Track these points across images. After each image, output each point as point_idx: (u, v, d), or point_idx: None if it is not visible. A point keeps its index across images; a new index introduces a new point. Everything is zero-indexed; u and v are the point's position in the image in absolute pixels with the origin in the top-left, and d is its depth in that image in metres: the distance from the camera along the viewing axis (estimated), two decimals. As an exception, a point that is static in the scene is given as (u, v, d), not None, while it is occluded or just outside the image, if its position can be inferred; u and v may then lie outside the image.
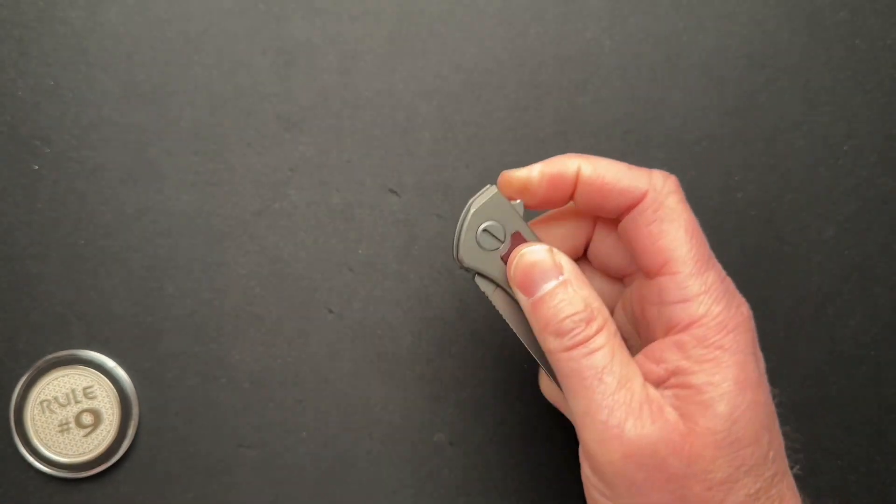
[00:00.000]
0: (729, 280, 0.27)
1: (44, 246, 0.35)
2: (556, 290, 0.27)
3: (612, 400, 0.26)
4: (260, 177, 0.36)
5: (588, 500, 0.28)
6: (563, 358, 0.27)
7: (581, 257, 0.32)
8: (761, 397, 0.26)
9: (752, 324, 0.27)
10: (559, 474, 0.37)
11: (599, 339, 0.26)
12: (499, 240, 0.29)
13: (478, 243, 0.29)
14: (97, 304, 0.35)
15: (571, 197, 0.29)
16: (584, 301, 0.27)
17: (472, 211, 0.29)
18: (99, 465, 0.35)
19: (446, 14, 0.36)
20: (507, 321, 0.30)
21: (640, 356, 0.27)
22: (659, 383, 0.27)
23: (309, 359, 0.36)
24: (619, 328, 0.29)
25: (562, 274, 0.27)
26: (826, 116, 0.37)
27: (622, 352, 0.27)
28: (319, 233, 0.36)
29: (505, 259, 0.29)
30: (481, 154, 0.36)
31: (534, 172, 0.28)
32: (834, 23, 0.37)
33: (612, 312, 0.30)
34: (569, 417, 0.32)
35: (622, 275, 0.31)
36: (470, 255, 0.29)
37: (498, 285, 0.30)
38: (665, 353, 0.26)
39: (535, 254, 0.28)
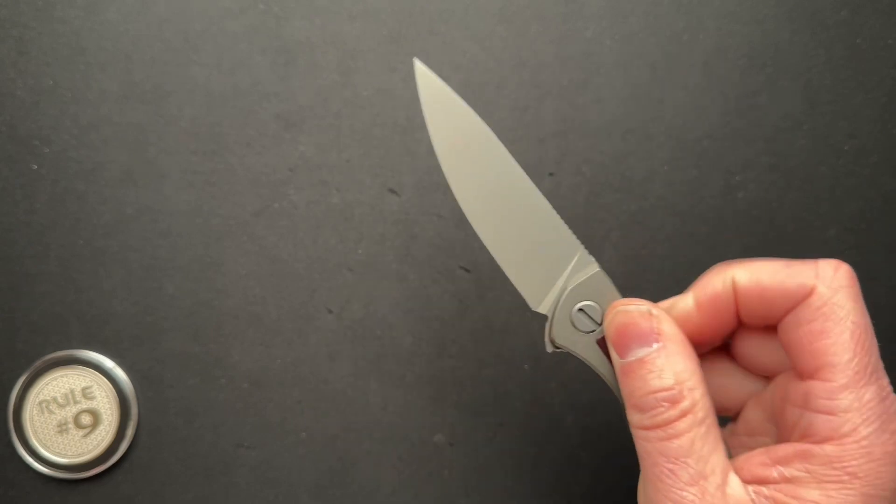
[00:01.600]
0: (893, 398, 0.24)
1: (43, 246, 0.35)
2: (647, 360, 0.25)
3: (679, 496, 0.23)
4: (259, 176, 0.36)
5: None
6: (640, 436, 0.24)
7: (718, 348, 0.29)
8: None
9: None
10: (559, 474, 0.37)
11: (682, 425, 0.24)
12: (596, 322, 0.27)
13: (572, 323, 0.27)
14: (96, 304, 0.35)
15: (738, 318, 0.26)
16: (676, 377, 0.24)
17: (569, 288, 0.27)
18: (98, 465, 0.35)
19: (446, 14, 0.36)
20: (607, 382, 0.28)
21: (760, 451, 0.25)
22: (763, 483, 0.24)
23: (308, 359, 0.36)
24: (751, 424, 0.27)
25: (658, 341, 0.25)
26: (827, 116, 0.37)
27: (708, 442, 0.24)
28: (319, 233, 0.36)
29: (601, 345, 0.27)
30: (481, 154, 0.36)
31: (689, 305, 0.26)
32: (835, 22, 0.37)
33: (743, 405, 0.28)
34: None
35: (767, 373, 0.28)
36: (563, 335, 0.27)
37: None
38: (789, 457, 0.24)
39: (631, 313, 0.25)
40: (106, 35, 0.35)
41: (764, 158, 0.37)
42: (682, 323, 0.26)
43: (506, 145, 0.37)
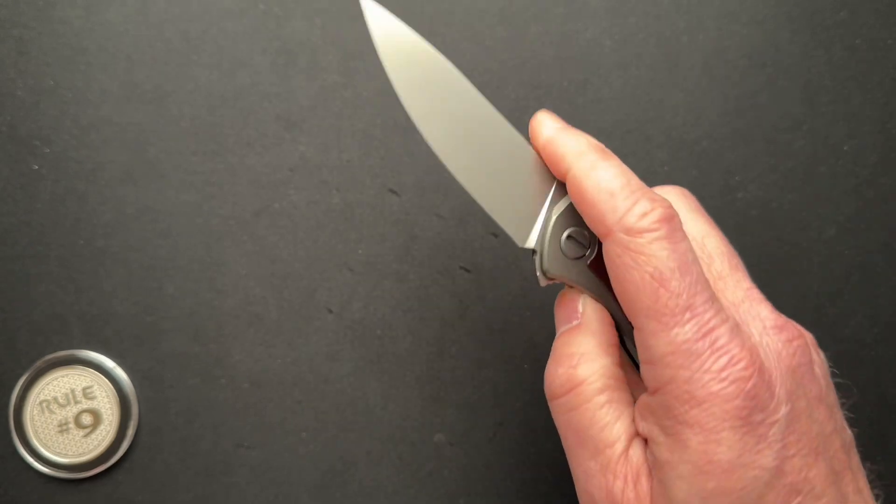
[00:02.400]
0: (719, 332, 0.23)
1: (43, 246, 0.35)
2: (564, 333, 0.26)
3: (587, 466, 0.24)
4: (260, 177, 0.36)
5: None
6: (552, 408, 0.26)
7: None
8: (735, 483, 0.22)
9: (743, 387, 0.22)
10: (559, 474, 0.37)
11: (576, 398, 0.25)
12: (584, 246, 0.26)
13: (562, 252, 0.26)
14: (97, 304, 0.35)
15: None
16: (579, 348, 0.25)
17: (554, 217, 0.26)
18: (98, 465, 0.35)
19: (446, 14, 0.36)
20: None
21: (639, 399, 0.25)
22: (643, 438, 0.24)
23: (308, 359, 0.36)
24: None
25: (577, 319, 0.26)
26: (827, 116, 0.37)
27: (611, 411, 0.24)
28: (319, 233, 0.36)
29: (593, 268, 0.26)
30: (481, 154, 0.36)
31: (543, 136, 0.26)
32: (834, 23, 0.37)
33: None
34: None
35: None
36: (555, 266, 0.26)
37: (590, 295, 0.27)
38: (643, 411, 0.24)
39: (564, 295, 0.27)
40: (106, 35, 0.35)
41: (764, 158, 0.37)
42: (532, 136, 0.26)
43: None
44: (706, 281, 0.23)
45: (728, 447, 0.22)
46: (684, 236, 0.23)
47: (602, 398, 0.24)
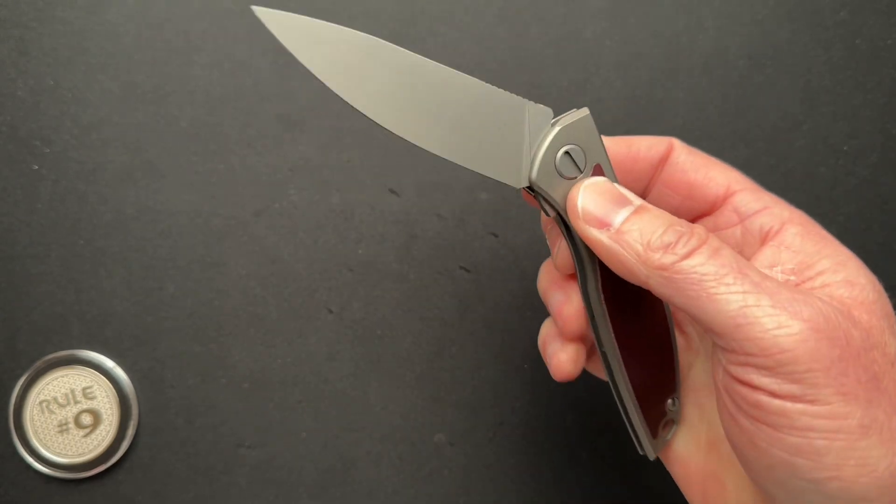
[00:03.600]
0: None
1: (43, 246, 0.35)
2: (636, 215, 0.24)
3: (767, 286, 0.22)
4: (260, 177, 0.36)
5: (736, 434, 0.24)
6: (685, 268, 0.23)
7: None
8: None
9: None
10: (559, 474, 0.37)
11: (714, 240, 0.23)
12: (578, 168, 0.25)
13: (555, 167, 0.25)
14: (97, 304, 0.35)
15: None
16: (669, 219, 0.24)
17: (557, 128, 0.25)
18: (98, 465, 0.35)
19: (446, 14, 0.36)
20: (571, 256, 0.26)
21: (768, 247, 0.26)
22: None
23: (309, 359, 0.36)
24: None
25: (631, 203, 0.25)
26: (826, 116, 0.37)
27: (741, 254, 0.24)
28: (319, 233, 0.36)
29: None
30: (481, 154, 0.36)
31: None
32: (834, 23, 0.37)
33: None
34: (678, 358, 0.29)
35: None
36: (545, 177, 0.25)
37: (563, 221, 0.26)
38: (774, 256, 0.25)
39: (600, 183, 0.25)
40: (107, 35, 0.35)
41: (764, 158, 0.37)
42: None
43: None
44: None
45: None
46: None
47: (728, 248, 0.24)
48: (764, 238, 0.26)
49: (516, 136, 0.25)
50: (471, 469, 0.36)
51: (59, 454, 0.34)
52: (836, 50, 0.37)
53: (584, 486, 0.37)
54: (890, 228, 0.37)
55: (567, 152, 0.25)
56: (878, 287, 0.24)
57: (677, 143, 0.28)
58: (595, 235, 0.24)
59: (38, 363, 0.35)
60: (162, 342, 0.35)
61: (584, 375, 0.37)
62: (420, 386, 0.36)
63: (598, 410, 0.37)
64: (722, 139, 0.37)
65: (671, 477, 0.29)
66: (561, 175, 0.25)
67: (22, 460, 0.34)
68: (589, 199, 0.25)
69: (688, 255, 0.23)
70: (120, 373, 0.35)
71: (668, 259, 0.23)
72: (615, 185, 0.25)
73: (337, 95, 0.23)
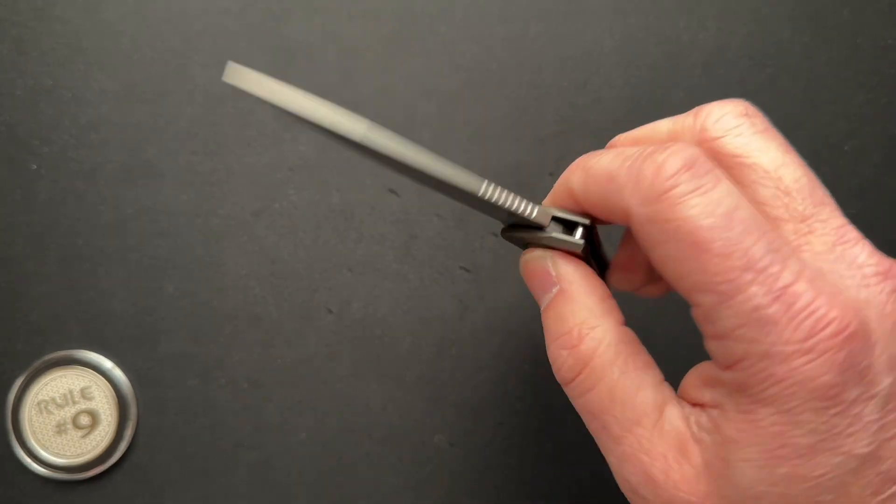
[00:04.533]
0: (800, 288, 0.18)
1: (42, 246, 0.35)
2: (551, 305, 0.23)
3: (619, 451, 0.21)
4: (259, 176, 0.36)
5: None
6: (567, 394, 0.23)
7: None
8: (812, 470, 0.18)
9: (835, 359, 0.17)
10: (560, 475, 0.36)
11: (589, 377, 0.21)
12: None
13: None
14: (95, 305, 0.35)
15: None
16: (574, 317, 0.22)
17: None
18: (96, 466, 0.34)
19: (446, 14, 0.36)
20: None
21: (694, 369, 0.22)
22: (701, 406, 0.21)
23: (308, 359, 0.36)
24: None
25: (555, 284, 0.23)
26: (828, 116, 0.37)
27: (630, 381, 0.21)
28: (319, 233, 0.36)
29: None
30: (481, 154, 0.36)
31: (547, 202, 0.24)
32: (836, 22, 0.37)
33: None
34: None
35: None
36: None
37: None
38: (709, 381, 0.20)
39: (529, 262, 0.24)
40: (105, 34, 0.35)
41: (764, 158, 0.37)
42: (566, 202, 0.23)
43: (506, 145, 0.37)
44: (763, 224, 0.19)
45: (809, 430, 0.18)
46: (716, 178, 0.19)
47: (616, 370, 0.21)
48: (715, 359, 0.20)
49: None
50: (471, 470, 0.36)
51: (57, 455, 0.34)
52: (838, 49, 0.37)
53: (584, 486, 0.36)
54: (892, 228, 0.37)
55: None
56: (756, 491, 0.19)
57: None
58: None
59: (36, 363, 0.34)
60: (160, 342, 0.35)
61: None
62: (420, 386, 0.36)
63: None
64: (722, 139, 0.37)
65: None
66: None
67: (19, 461, 0.34)
68: (524, 276, 0.24)
69: (565, 384, 0.22)
70: (118, 373, 0.35)
71: (556, 375, 0.23)
72: (545, 256, 0.23)
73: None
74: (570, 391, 0.22)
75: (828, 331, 0.18)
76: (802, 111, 0.37)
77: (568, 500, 0.36)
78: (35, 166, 0.35)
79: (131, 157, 0.35)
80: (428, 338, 0.36)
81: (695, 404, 0.21)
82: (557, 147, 0.36)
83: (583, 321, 0.22)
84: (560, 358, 0.22)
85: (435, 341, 0.36)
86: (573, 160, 0.36)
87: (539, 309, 0.24)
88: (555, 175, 0.37)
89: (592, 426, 0.22)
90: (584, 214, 0.23)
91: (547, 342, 0.23)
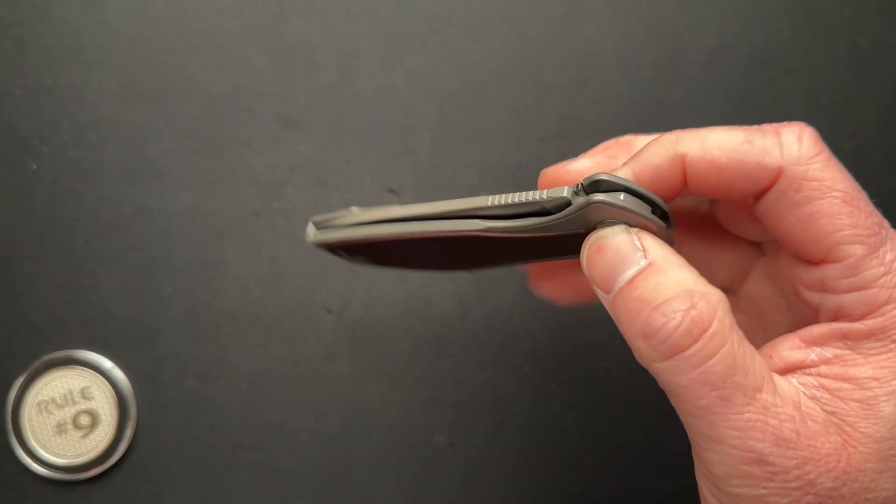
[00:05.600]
0: None
1: (41, 246, 0.35)
2: (638, 276, 0.21)
3: (742, 420, 0.20)
4: (258, 176, 0.36)
5: None
6: (663, 370, 0.20)
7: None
8: None
9: None
10: (559, 474, 0.36)
11: (714, 341, 0.20)
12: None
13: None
14: (95, 305, 0.35)
15: (685, 186, 0.22)
16: (679, 285, 0.20)
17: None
18: (96, 466, 0.34)
19: (446, 14, 0.36)
20: None
21: (786, 336, 0.22)
22: (799, 369, 0.21)
23: (307, 359, 0.36)
24: (760, 298, 0.24)
25: (645, 257, 0.21)
26: (828, 116, 0.37)
27: (745, 347, 0.20)
28: (318, 233, 0.36)
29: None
30: (481, 154, 0.36)
31: (626, 175, 0.22)
32: (836, 21, 0.37)
33: (738, 279, 0.25)
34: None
35: (759, 241, 0.25)
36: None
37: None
38: (825, 338, 0.21)
39: (604, 238, 0.22)
40: (105, 34, 0.35)
41: (765, 158, 0.37)
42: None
43: (506, 145, 0.37)
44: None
45: None
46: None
47: (736, 337, 0.20)
48: (835, 316, 0.22)
49: None
50: (471, 470, 0.36)
51: (57, 455, 0.34)
52: (838, 49, 0.37)
53: (585, 486, 0.36)
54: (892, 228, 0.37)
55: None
56: None
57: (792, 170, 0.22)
58: (602, 299, 0.22)
59: (36, 364, 0.34)
60: (160, 342, 0.35)
61: (585, 376, 0.36)
62: (420, 386, 0.36)
63: (599, 411, 0.37)
64: (723, 139, 0.37)
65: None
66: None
67: (19, 462, 0.34)
68: (590, 263, 0.22)
69: (670, 356, 0.20)
70: (118, 373, 0.35)
71: (648, 354, 0.21)
72: (628, 231, 0.22)
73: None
74: (680, 362, 0.20)
75: None
76: (803, 110, 0.37)
77: (568, 500, 0.36)
78: (35, 166, 0.35)
79: (130, 156, 0.35)
80: (428, 338, 0.36)
81: (788, 371, 0.21)
82: (557, 147, 0.36)
83: (691, 287, 0.20)
84: (670, 323, 0.20)
85: (435, 341, 0.36)
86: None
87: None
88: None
89: (705, 400, 0.20)
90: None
91: (637, 315, 0.20)
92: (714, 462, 0.20)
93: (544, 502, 0.36)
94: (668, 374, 0.20)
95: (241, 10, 0.35)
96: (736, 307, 0.25)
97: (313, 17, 0.36)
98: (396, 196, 0.36)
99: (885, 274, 0.21)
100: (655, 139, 0.22)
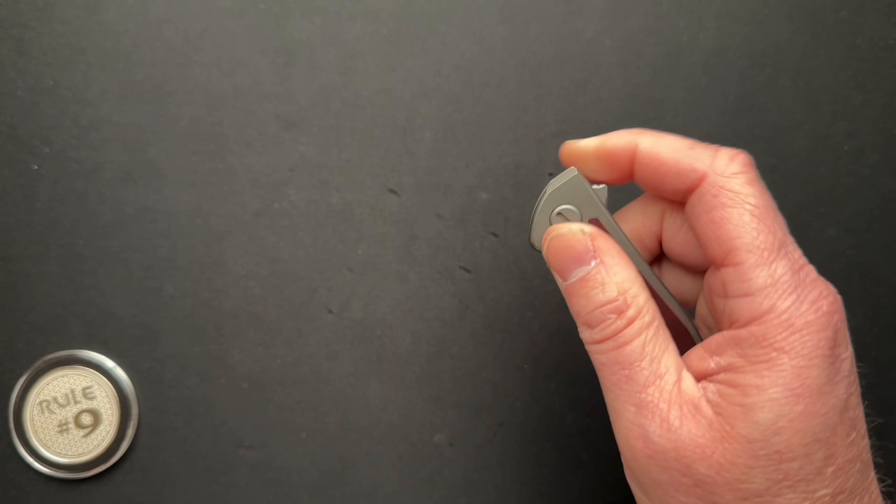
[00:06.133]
0: (809, 269, 0.24)
1: (43, 246, 0.35)
2: (588, 277, 0.26)
3: (639, 398, 0.24)
4: (259, 177, 0.36)
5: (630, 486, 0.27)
6: (594, 351, 0.25)
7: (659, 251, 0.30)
8: (820, 408, 0.23)
9: (832, 319, 0.23)
10: (559, 474, 0.37)
11: (630, 331, 0.25)
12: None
13: (551, 225, 0.28)
14: (96, 305, 0.35)
15: (632, 175, 0.27)
16: (618, 287, 0.25)
17: (547, 192, 0.27)
18: (98, 465, 0.35)
19: (446, 14, 0.36)
20: None
21: (698, 347, 0.25)
22: (707, 376, 0.25)
23: (308, 359, 0.36)
24: (703, 318, 0.28)
25: (595, 258, 0.26)
26: (827, 116, 0.37)
27: (658, 343, 0.25)
28: (319, 233, 0.36)
29: None
30: (481, 154, 0.36)
31: (591, 144, 0.27)
32: (835, 22, 0.37)
33: (695, 304, 0.29)
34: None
35: (701, 268, 0.28)
36: (542, 238, 0.28)
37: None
38: (722, 346, 0.24)
39: (565, 236, 0.26)
40: (106, 35, 0.35)
41: (764, 158, 0.37)
42: (578, 158, 0.28)
43: (506, 145, 0.37)
44: (784, 222, 0.25)
45: (818, 373, 0.23)
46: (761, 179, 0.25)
47: (651, 331, 0.25)
48: (730, 323, 0.25)
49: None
50: (471, 470, 0.36)
51: (58, 454, 0.34)
52: (837, 49, 0.37)
53: (585, 486, 0.37)
54: (891, 228, 0.37)
55: (560, 213, 0.27)
56: (778, 426, 0.23)
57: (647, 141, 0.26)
58: (557, 281, 0.27)
59: (38, 363, 0.35)
60: (162, 342, 0.35)
61: (585, 376, 0.37)
62: (420, 386, 0.36)
63: (599, 410, 0.37)
64: (722, 139, 0.37)
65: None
66: None
67: (22, 460, 0.34)
68: (551, 252, 0.27)
69: (600, 341, 0.25)
70: (120, 373, 0.35)
71: (585, 335, 0.26)
72: (584, 233, 0.26)
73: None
74: (606, 346, 0.25)
75: (828, 300, 0.24)
76: (802, 111, 0.37)
77: (568, 500, 0.36)
78: (36, 166, 0.35)
79: (132, 157, 0.35)
80: (428, 338, 0.36)
81: (699, 377, 0.25)
82: (557, 147, 0.36)
83: (627, 290, 0.25)
84: (608, 321, 0.25)
85: (435, 341, 0.36)
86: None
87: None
88: (555, 175, 0.37)
89: (617, 376, 0.25)
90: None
91: (587, 308, 0.26)
92: (617, 435, 0.25)
93: (544, 502, 0.36)
94: (596, 353, 0.26)
95: (242, 11, 0.36)
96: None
97: (314, 18, 0.36)
98: (397, 196, 0.36)
99: (771, 285, 0.23)
100: (627, 129, 0.27)
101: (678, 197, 0.26)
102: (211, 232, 0.35)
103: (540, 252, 0.28)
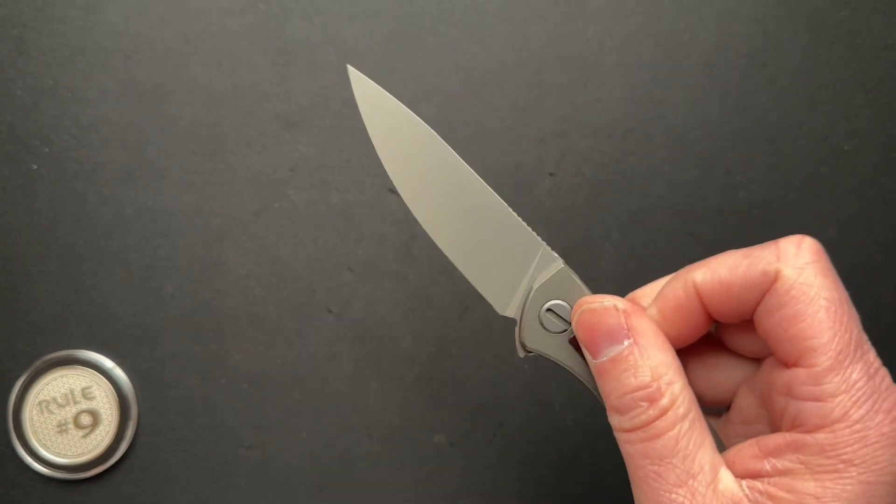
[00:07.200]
0: (883, 373, 0.22)
1: (42, 246, 0.35)
2: (619, 358, 0.23)
3: (668, 499, 0.22)
4: (259, 176, 0.36)
5: None
6: (622, 439, 0.23)
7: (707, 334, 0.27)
8: None
9: None
10: (559, 474, 0.36)
11: (663, 423, 0.23)
12: (566, 321, 0.26)
13: (541, 325, 0.26)
14: (96, 305, 0.35)
15: (710, 318, 0.25)
16: (652, 372, 0.23)
17: (534, 289, 0.26)
18: (98, 465, 0.35)
19: (446, 14, 0.36)
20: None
21: (751, 443, 0.23)
22: (756, 477, 0.23)
23: (308, 359, 0.36)
24: (745, 412, 0.26)
25: (628, 337, 0.23)
26: (827, 116, 0.37)
27: (694, 438, 0.23)
28: (319, 233, 0.36)
29: (574, 344, 0.26)
30: (481, 154, 0.36)
31: (653, 313, 0.25)
32: (835, 22, 0.37)
33: (735, 392, 0.27)
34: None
35: (755, 355, 0.26)
36: (533, 338, 0.26)
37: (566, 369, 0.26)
38: (781, 448, 0.22)
39: (596, 311, 0.24)
40: (106, 35, 0.35)
41: (764, 158, 0.37)
42: (642, 332, 0.25)
43: (506, 145, 0.37)
44: (858, 316, 0.23)
45: (888, 491, 0.21)
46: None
47: (686, 424, 0.23)
48: (792, 425, 0.23)
49: (519, 273, 0.26)
50: (471, 470, 0.36)
51: (58, 454, 0.34)
52: (837, 49, 0.37)
53: (584, 485, 0.37)
54: (891, 228, 0.37)
55: (550, 309, 0.26)
56: None
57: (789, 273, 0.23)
58: (586, 356, 0.25)
59: (38, 363, 0.34)
60: (161, 342, 0.35)
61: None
62: (420, 386, 0.36)
63: (599, 411, 0.37)
64: (722, 139, 0.37)
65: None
66: (549, 331, 0.26)
67: (21, 461, 0.34)
68: (581, 326, 0.25)
69: (629, 430, 0.23)
70: (119, 373, 0.35)
71: (613, 421, 0.24)
72: (617, 309, 0.24)
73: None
74: (635, 436, 0.23)
75: None
76: (802, 111, 0.37)
77: (568, 500, 0.36)
78: (35, 166, 0.35)
79: (131, 157, 0.35)
80: (428, 338, 0.36)
81: (746, 476, 0.23)
82: (557, 147, 0.36)
83: (662, 375, 0.23)
84: (639, 409, 0.23)
85: (435, 341, 0.36)
86: (573, 160, 0.36)
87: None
88: (555, 175, 0.37)
89: (645, 471, 0.23)
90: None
91: (617, 392, 0.23)
92: None
93: (544, 502, 0.36)
94: (624, 442, 0.23)
95: (242, 11, 0.35)
96: (726, 418, 0.27)
97: (314, 18, 0.36)
98: (397, 196, 0.36)
99: (845, 392, 0.22)
100: (671, 276, 0.25)
101: (752, 308, 0.24)
102: (211, 232, 0.35)
103: (530, 354, 0.26)
